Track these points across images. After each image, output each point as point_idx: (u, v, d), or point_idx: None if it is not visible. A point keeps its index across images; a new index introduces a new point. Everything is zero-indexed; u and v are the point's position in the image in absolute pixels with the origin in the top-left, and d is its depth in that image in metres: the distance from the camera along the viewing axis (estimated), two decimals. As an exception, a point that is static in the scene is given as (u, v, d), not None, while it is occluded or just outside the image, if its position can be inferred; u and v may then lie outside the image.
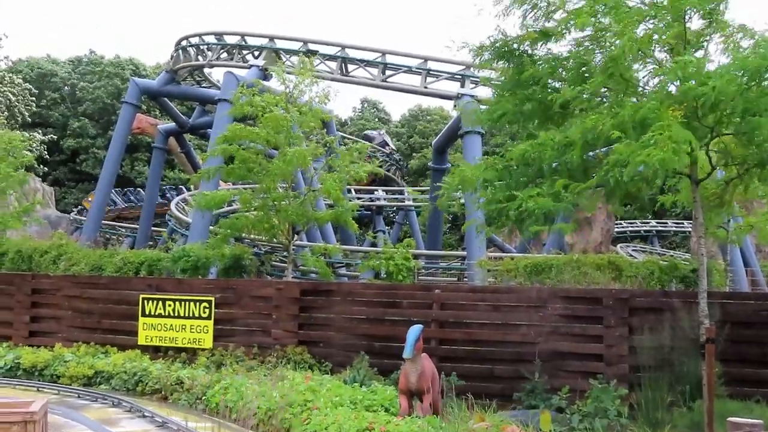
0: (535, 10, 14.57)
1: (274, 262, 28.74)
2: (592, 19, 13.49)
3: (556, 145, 13.18)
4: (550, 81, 14.67)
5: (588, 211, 16.27)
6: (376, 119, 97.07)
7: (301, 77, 24.09)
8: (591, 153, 14.45)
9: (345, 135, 63.81)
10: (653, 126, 11.84)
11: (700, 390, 13.36)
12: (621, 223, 61.54)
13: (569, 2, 14.16)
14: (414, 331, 11.91)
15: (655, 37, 13.53)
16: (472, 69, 33.62)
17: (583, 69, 13.98)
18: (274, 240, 25.00)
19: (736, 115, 12.39)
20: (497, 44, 15.01)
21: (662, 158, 11.40)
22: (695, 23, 13.90)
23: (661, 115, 11.95)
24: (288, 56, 36.59)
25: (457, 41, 15.13)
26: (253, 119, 23.88)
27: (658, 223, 63.53)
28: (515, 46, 15.00)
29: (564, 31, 14.28)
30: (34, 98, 62.83)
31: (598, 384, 14.89)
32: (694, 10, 13.43)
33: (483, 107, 16.27)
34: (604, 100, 14.36)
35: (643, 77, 14.35)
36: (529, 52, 15.11)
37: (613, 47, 13.45)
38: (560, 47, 14.80)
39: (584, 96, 13.81)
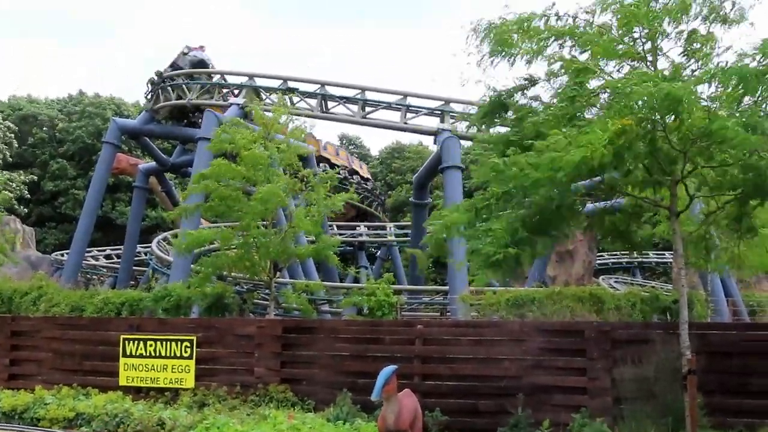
0: (510, 58, 14.84)
1: (256, 300, 28.64)
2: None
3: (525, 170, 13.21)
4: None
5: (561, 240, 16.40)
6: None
7: (276, 115, 24.25)
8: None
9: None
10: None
11: (683, 421, 13.37)
12: (603, 255, 61.69)
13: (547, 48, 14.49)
14: (385, 372, 11.71)
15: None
16: (451, 104, 33.91)
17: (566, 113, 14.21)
18: (256, 277, 24.96)
19: (700, 136, 12.51)
20: (492, 99, 15.40)
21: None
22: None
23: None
24: (268, 94, 36.75)
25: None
26: (234, 157, 23.89)
27: (639, 254, 63.62)
28: (505, 96, 15.36)
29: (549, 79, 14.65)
30: (13, 136, 62.71)
31: (581, 417, 14.89)
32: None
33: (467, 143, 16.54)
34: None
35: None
36: (518, 100, 15.44)
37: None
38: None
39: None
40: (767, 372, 15.14)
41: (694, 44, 13.80)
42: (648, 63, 14.11)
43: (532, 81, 15.18)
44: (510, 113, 15.41)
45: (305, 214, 23.41)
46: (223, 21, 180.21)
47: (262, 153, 23.22)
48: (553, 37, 14.29)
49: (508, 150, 14.37)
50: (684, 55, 13.98)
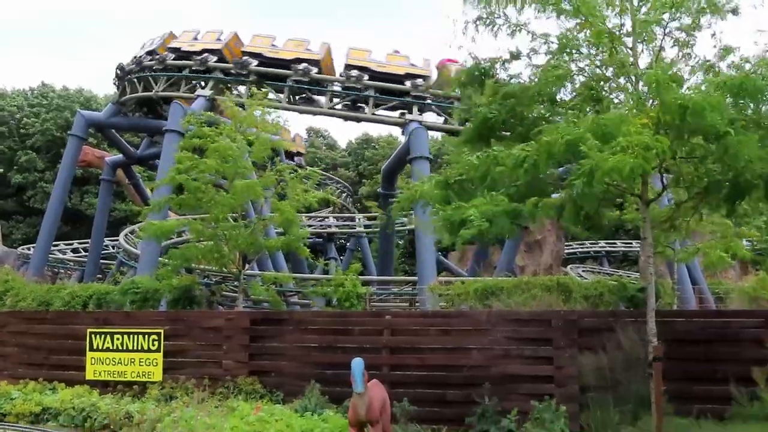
0: (494, 27, 14.78)
1: (225, 292, 28.52)
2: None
3: (510, 160, 13.03)
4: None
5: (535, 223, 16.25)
6: (324, 147, 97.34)
7: (251, 109, 24.16)
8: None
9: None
10: (621, 132, 11.84)
11: (648, 408, 13.47)
12: (571, 245, 62.12)
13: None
14: (358, 364, 11.75)
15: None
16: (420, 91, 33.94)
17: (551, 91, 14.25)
18: (225, 270, 24.86)
19: (707, 134, 12.48)
20: (471, 68, 15.31)
21: (633, 164, 11.38)
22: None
23: (626, 126, 12.00)
24: (235, 85, 36.55)
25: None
26: (203, 150, 23.71)
27: (606, 243, 64.29)
28: (486, 67, 15.25)
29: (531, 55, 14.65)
30: None
31: (542, 404, 14.96)
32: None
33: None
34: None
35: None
36: (499, 74, 15.38)
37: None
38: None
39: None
40: (733, 359, 15.31)
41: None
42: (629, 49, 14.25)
43: (514, 55, 15.09)
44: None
45: (283, 207, 23.37)
46: (205, 17, 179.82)
47: (231, 145, 23.05)
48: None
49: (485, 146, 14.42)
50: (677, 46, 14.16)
